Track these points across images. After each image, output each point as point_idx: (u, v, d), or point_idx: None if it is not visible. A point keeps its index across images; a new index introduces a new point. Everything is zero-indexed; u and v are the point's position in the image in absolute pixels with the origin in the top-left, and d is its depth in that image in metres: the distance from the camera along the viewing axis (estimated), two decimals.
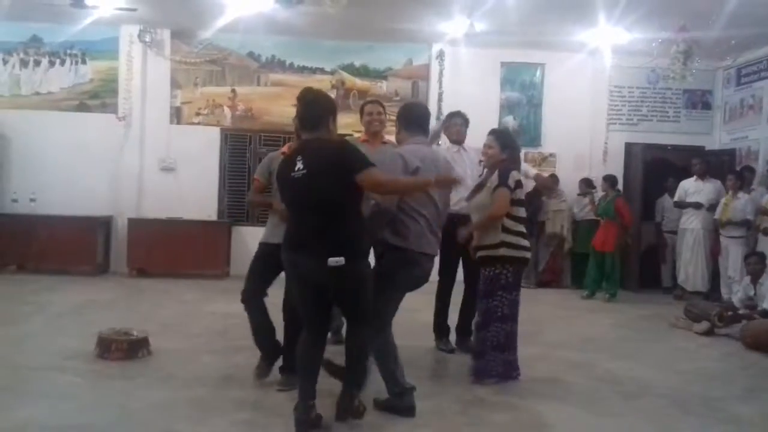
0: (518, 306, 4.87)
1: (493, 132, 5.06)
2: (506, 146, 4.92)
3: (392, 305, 4.11)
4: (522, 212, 4.86)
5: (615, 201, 9.21)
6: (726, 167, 9.63)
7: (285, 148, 5.04)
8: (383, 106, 5.49)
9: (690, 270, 9.27)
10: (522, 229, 4.84)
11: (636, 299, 9.23)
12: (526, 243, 4.82)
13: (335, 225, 3.54)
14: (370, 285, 3.70)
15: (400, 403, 4.03)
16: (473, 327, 5.22)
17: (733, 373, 5.57)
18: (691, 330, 7.08)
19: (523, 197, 4.88)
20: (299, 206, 3.66)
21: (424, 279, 4.24)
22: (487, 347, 4.80)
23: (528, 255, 4.89)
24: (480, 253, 4.82)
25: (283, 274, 4.18)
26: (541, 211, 10.16)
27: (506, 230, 4.74)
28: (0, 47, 10.13)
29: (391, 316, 4.12)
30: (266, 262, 4.54)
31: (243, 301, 4.67)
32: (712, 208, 9.04)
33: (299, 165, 3.60)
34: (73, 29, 9.69)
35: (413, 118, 4.45)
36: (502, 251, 4.72)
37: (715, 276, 9.15)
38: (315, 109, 3.78)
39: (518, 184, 4.81)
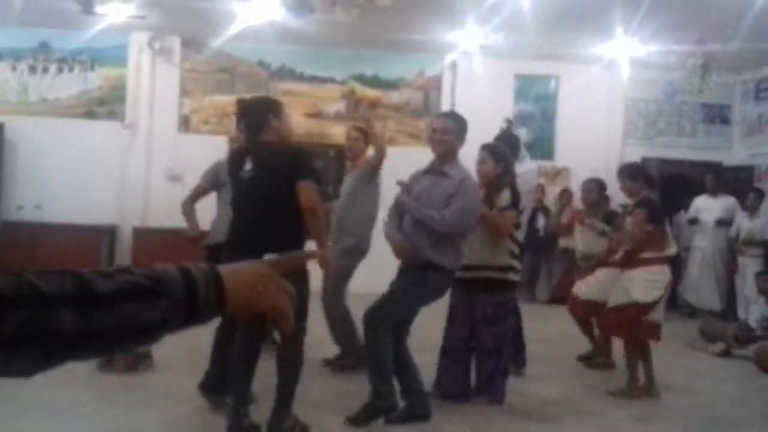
0: None
1: (485, 147, 4.79)
2: (501, 158, 4.69)
3: (411, 313, 4.17)
4: (521, 235, 4.83)
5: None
6: (743, 184, 9.42)
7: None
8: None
9: (700, 288, 9.05)
10: (518, 251, 4.79)
11: None
12: (520, 267, 4.85)
13: (275, 228, 3.54)
14: (305, 298, 3.57)
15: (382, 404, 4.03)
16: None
17: (749, 397, 5.46)
18: (707, 351, 6.91)
19: (521, 219, 4.81)
20: (242, 206, 3.68)
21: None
22: (498, 372, 4.65)
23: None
24: (484, 274, 4.58)
25: None
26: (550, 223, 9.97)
27: (512, 255, 4.66)
28: (9, 53, 10.04)
29: (399, 318, 4.11)
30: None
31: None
32: (722, 224, 8.83)
33: (247, 166, 3.62)
34: (83, 36, 9.55)
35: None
36: (511, 275, 4.67)
37: (731, 295, 8.94)
38: (252, 113, 3.77)
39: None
